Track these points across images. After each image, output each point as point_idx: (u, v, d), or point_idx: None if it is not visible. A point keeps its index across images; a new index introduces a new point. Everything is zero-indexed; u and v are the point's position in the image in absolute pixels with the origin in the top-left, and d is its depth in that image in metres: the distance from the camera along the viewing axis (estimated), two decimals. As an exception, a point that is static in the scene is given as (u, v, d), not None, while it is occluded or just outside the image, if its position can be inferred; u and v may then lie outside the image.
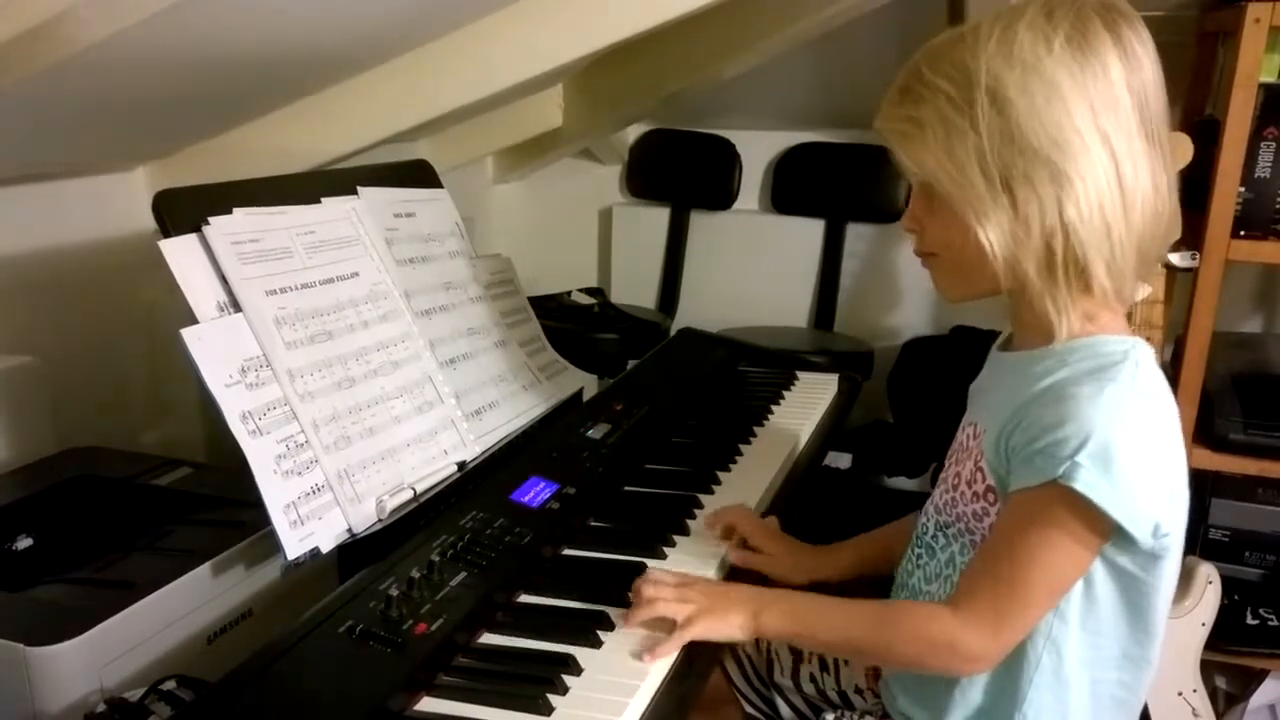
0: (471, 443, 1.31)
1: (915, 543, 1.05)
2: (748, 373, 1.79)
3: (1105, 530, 0.85)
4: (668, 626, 0.95)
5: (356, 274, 1.26)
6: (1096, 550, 0.87)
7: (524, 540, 1.10)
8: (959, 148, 0.86)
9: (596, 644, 0.94)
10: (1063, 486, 0.82)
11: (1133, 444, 0.83)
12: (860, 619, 0.95)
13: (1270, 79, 1.71)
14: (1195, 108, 2.00)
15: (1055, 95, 0.83)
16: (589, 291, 2.59)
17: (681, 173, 2.79)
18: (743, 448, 1.44)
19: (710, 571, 1.10)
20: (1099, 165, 0.83)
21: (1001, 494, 0.91)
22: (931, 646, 0.90)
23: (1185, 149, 1.58)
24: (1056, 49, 0.83)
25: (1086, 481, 0.81)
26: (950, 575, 0.98)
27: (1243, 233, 1.73)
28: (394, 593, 0.95)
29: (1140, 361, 0.88)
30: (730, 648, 1.24)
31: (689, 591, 0.97)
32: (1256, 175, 1.72)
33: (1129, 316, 1.59)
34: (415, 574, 0.99)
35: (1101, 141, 0.83)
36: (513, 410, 1.42)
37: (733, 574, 1.14)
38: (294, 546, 1.04)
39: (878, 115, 0.92)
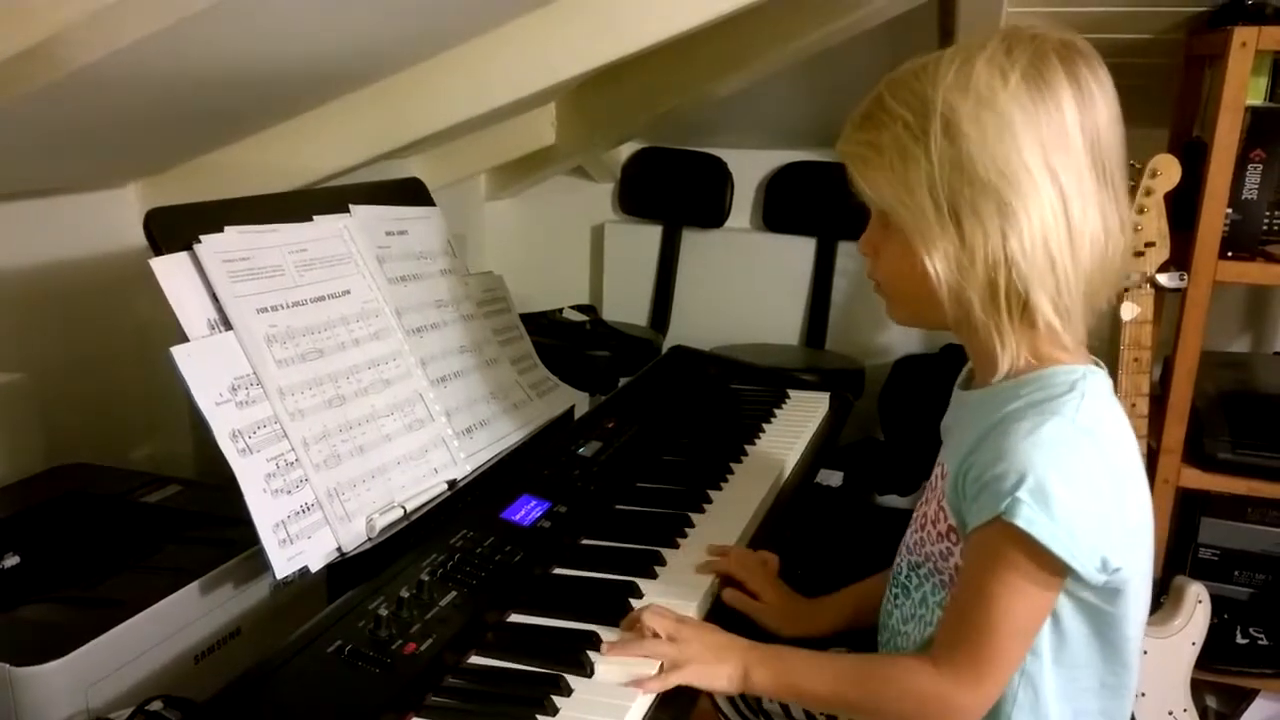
0: (462, 461, 1.31)
1: (892, 583, 1.05)
2: (739, 391, 1.79)
3: (1057, 567, 0.84)
4: (656, 662, 0.95)
5: (348, 292, 1.26)
6: (1055, 587, 0.86)
7: (514, 559, 1.10)
8: (912, 174, 0.86)
9: (587, 665, 0.94)
10: (1007, 523, 0.83)
11: (1070, 480, 0.82)
12: (847, 676, 0.95)
13: (1257, 101, 1.72)
14: (1183, 130, 2.01)
15: (1007, 129, 0.83)
16: (581, 309, 2.59)
17: (673, 191, 2.80)
18: (734, 466, 1.44)
19: (701, 591, 1.10)
20: (1046, 202, 0.83)
21: (961, 533, 0.91)
22: (920, 704, 0.90)
23: (1173, 171, 1.59)
24: (1012, 84, 0.83)
25: (1027, 517, 0.82)
26: (924, 615, 0.98)
27: (1230, 254, 1.74)
28: (383, 612, 0.95)
29: (1087, 393, 0.87)
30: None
31: (685, 630, 0.98)
32: (1244, 197, 1.73)
33: (1117, 338, 1.62)
34: (405, 593, 0.98)
35: (1050, 179, 0.83)
36: (504, 428, 1.42)
37: (721, 608, 1.14)
38: (283, 565, 1.03)
39: (840, 139, 0.93)
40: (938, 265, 0.86)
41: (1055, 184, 0.84)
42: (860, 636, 1.11)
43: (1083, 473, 0.84)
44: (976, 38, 0.88)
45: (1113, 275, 0.89)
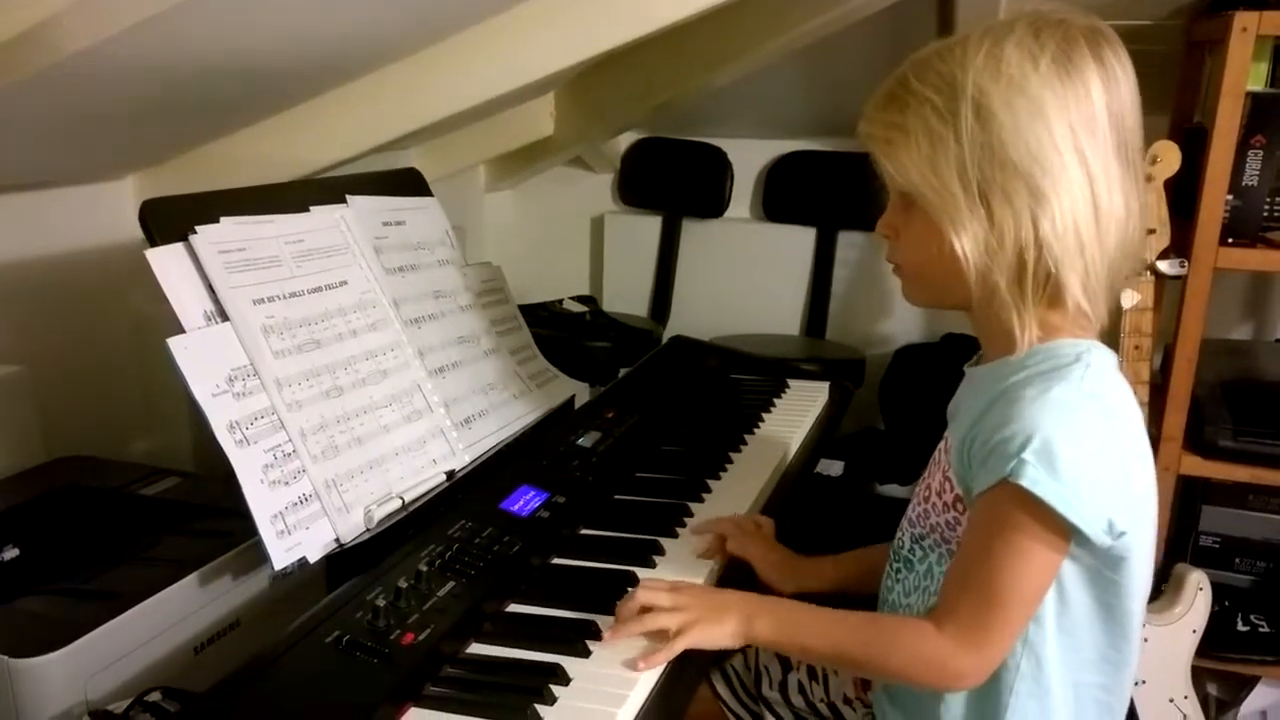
0: (461, 451, 1.31)
1: (893, 557, 1.05)
2: (739, 380, 1.79)
3: (1063, 530, 0.85)
4: (659, 635, 0.95)
5: (345, 282, 1.26)
6: (1061, 551, 0.87)
7: (513, 549, 1.10)
8: (941, 157, 0.87)
9: (585, 654, 0.94)
10: (1013, 485, 0.83)
11: (1076, 442, 0.83)
12: (850, 632, 0.95)
13: (1257, 87, 1.71)
14: (1183, 116, 2.00)
15: (1038, 113, 0.84)
16: (580, 299, 2.59)
17: (673, 181, 2.80)
18: (734, 455, 1.44)
19: (700, 580, 1.10)
20: (1075, 184, 0.85)
21: (968, 501, 0.92)
22: (922, 665, 0.91)
23: (1173, 157, 1.58)
24: (1043, 68, 0.84)
25: (1032, 478, 0.82)
26: (928, 587, 0.98)
27: (1231, 240, 1.73)
28: (381, 603, 0.95)
29: (1092, 364, 0.88)
30: (718, 663, 1.24)
31: (682, 598, 0.98)
32: (1244, 183, 1.72)
33: (1117, 325, 1.61)
34: (403, 584, 0.98)
35: (1079, 161, 0.85)
36: (502, 419, 1.41)
37: (725, 574, 1.14)
38: (281, 557, 1.03)
39: (861, 120, 0.93)
40: (966, 247, 0.87)
41: (1084, 167, 0.85)
42: (860, 603, 1.11)
43: (1088, 435, 0.85)
44: (1000, 21, 0.88)
45: (1132, 254, 0.90)
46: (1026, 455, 0.83)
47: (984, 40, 0.86)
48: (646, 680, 0.92)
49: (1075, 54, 0.85)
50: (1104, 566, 0.89)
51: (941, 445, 1.00)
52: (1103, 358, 0.90)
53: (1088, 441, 0.84)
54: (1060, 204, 0.84)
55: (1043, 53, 0.85)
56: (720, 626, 0.96)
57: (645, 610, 0.96)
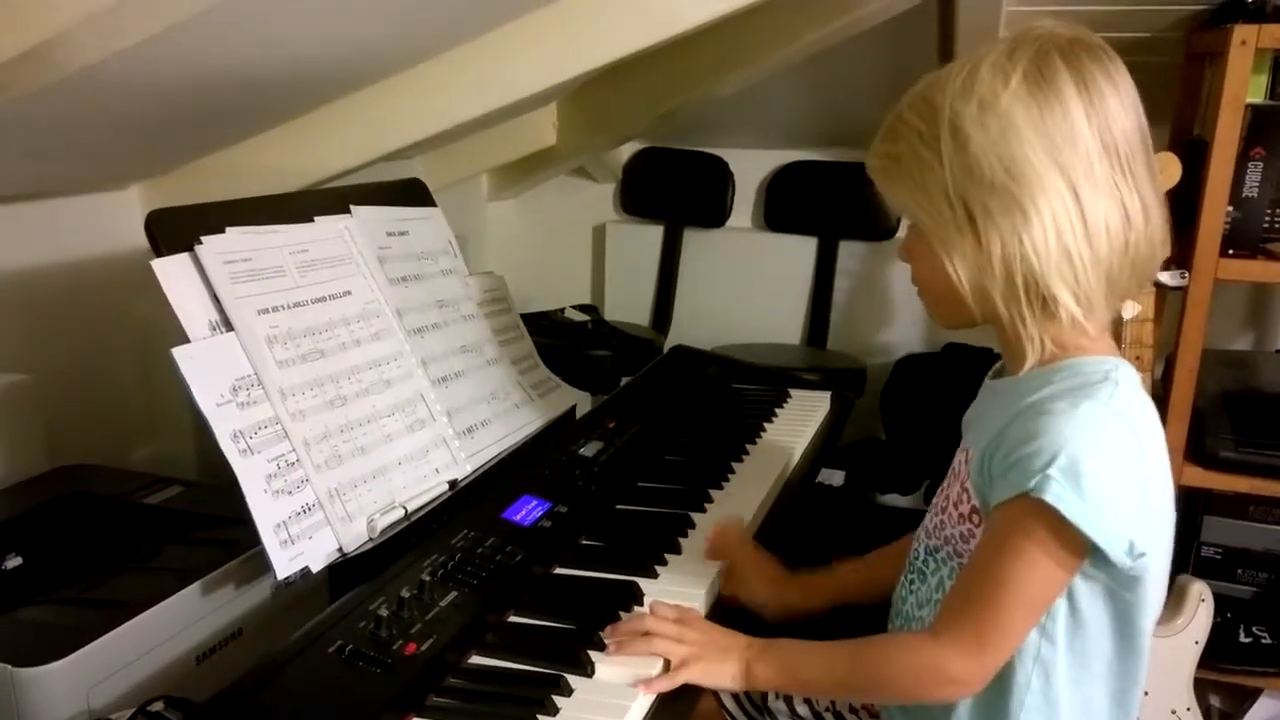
0: (463, 461, 1.31)
1: (908, 568, 1.05)
2: (740, 390, 1.79)
3: (1079, 547, 0.85)
4: (659, 661, 0.96)
5: (349, 292, 1.26)
6: (1073, 568, 0.87)
7: (515, 559, 1.10)
8: (929, 181, 0.89)
9: (587, 665, 0.94)
10: (1035, 499, 0.83)
11: (1104, 461, 0.83)
12: (845, 659, 0.95)
13: (1257, 99, 1.72)
14: (1183, 128, 2.01)
15: (1010, 129, 0.85)
16: (582, 309, 2.60)
17: (675, 191, 2.80)
18: (735, 465, 1.44)
19: (702, 591, 1.10)
20: (1056, 197, 0.85)
21: (984, 513, 0.92)
22: (916, 676, 0.91)
23: (1173, 169, 1.59)
24: (1013, 85, 0.85)
25: (1056, 494, 0.82)
26: (939, 600, 0.98)
27: (1231, 251, 1.74)
28: (384, 613, 0.95)
29: (1120, 382, 0.89)
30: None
31: (689, 632, 0.98)
32: (1244, 194, 1.73)
33: (1118, 336, 1.62)
34: (405, 594, 0.98)
35: (1059, 174, 0.85)
36: (505, 428, 1.42)
37: (723, 606, 1.14)
38: (284, 566, 1.03)
39: (867, 154, 0.96)
40: (958, 267, 0.89)
41: (1065, 178, 0.85)
42: (864, 615, 1.11)
43: (1115, 455, 0.85)
44: (987, 45, 0.89)
45: (1140, 261, 0.89)
46: (1052, 471, 0.82)
47: (964, 65, 0.89)
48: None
49: (1048, 68, 0.86)
50: (1120, 586, 0.89)
51: (961, 456, 1.00)
52: (1130, 376, 0.91)
53: (1114, 461, 0.84)
54: (1041, 217, 0.85)
55: (1014, 70, 0.86)
56: (721, 667, 0.97)
57: (650, 634, 0.97)
